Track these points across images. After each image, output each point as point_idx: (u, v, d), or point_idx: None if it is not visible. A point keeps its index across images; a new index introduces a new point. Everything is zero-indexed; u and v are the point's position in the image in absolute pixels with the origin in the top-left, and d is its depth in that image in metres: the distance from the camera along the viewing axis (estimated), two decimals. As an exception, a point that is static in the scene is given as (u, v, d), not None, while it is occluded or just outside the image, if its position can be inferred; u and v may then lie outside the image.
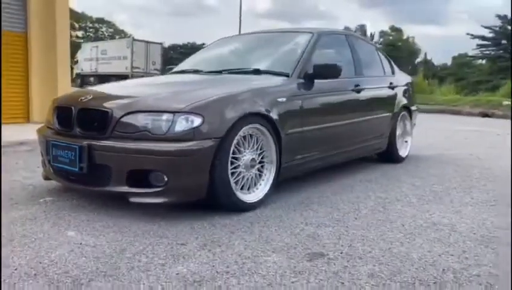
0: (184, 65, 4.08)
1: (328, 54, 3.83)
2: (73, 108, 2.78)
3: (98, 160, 2.60)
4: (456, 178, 4.10)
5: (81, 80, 26.24)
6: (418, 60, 50.33)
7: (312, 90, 3.39)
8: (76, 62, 26.97)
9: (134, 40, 24.51)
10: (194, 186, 2.58)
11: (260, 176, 2.96)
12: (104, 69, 24.75)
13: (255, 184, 2.92)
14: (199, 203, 2.75)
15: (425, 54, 48.61)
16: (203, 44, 50.10)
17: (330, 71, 3.40)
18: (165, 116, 2.54)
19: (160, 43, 25.24)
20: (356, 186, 3.64)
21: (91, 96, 2.82)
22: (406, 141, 4.99)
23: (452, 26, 73.74)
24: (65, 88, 7.04)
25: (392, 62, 5.05)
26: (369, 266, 2.06)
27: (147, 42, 24.31)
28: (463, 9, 78.74)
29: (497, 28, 36.81)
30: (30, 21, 7.06)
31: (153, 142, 2.52)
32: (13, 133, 5.90)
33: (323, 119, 3.47)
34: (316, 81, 3.43)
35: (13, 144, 5.36)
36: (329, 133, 3.56)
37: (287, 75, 3.33)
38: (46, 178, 3.14)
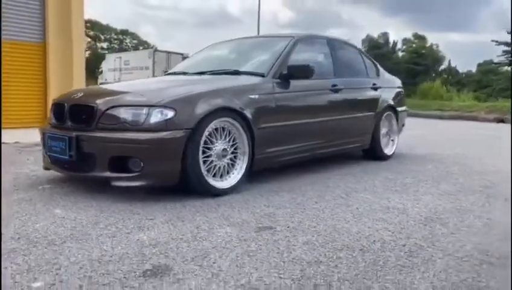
0: (176, 68, 4.48)
1: (306, 56, 4.12)
2: (66, 104, 3.16)
3: (85, 149, 2.97)
4: (433, 173, 4.30)
5: (106, 89, 27.09)
6: (442, 67, 49.88)
7: (288, 89, 3.70)
8: (101, 72, 27.92)
9: (155, 50, 25.26)
10: (167, 172, 2.92)
11: (233, 165, 3.27)
12: (126, 78, 25.56)
13: (228, 172, 3.23)
14: (180, 189, 3.08)
15: (449, 61, 48.12)
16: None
17: (303, 71, 3.70)
18: (142, 110, 2.89)
19: (181, 54, 25.87)
20: (332, 178, 3.90)
21: (82, 94, 3.21)
22: (393, 140, 5.21)
23: (477, 33, 72.67)
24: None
25: (378, 65, 5.30)
26: (307, 237, 2.34)
27: (168, 53, 24.99)
28: (488, 15, 77.41)
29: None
30: (48, 32, 7.59)
31: (131, 132, 2.87)
32: (30, 136, 6.40)
33: (297, 116, 3.77)
34: (293, 81, 3.74)
35: (29, 145, 5.84)
36: (303, 129, 3.84)
37: (262, 75, 3.64)
38: (46, 168, 3.53)
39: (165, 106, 2.89)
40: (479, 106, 16.92)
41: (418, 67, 43.97)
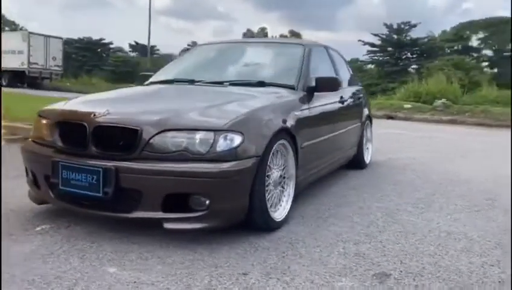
0: (170, 74, 3.73)
1: (318, 66, 3.84)
2: (87, 125, 2.44)
3: (125, 184, 2.33)
4: (424, 185, 4.33)
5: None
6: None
7: (313, 103, 3.39)
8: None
9: (30, 33, 22.40)
10: (236, 209, 2.44)
11: (282, 192, 2.88)
12: (-6, 63, 22.27)
13: (279, 201, 2.84)
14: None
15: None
16: (101, 39, 47.41)
17: (331, 84, 3.44)
18: (204, 135, 2.35)
19: (61, 38, 23.39)
20: (348, 196, 3.70)
21: (108, 112, 2.50)
22: (368, 148, 5.21)
23: (343, 32, 78.53)
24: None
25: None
26: (438, 285, 2.11)
27: (46, 36, 22.38)
28: (348, 15, 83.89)
29: (384, 36, 40.28)
30: None
31: (191, 163, 2.32)
32: None
33: (323, 131, 3.50)
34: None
35: None
36: (327, 145, 3.60)
37: (292, 88, 3.29)
38: (41, 202, 2.75)
39: (231, 130, 2.39)
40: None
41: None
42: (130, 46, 51.49)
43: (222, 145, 2.35)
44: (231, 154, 2.36)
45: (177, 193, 2.32)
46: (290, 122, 2.85)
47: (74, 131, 2.50)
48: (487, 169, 5.25)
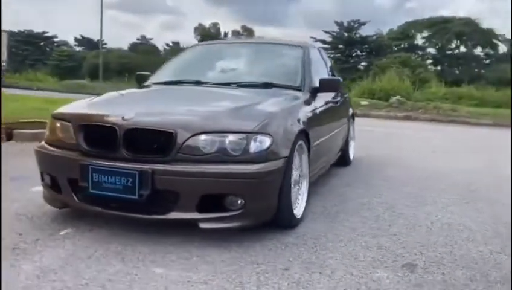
0: (174, 75, 3.70)
1: (316, 67, 3.98)
2: (117, 128, 2.44)
3: (161, 186, 2.37)
4: (410, 180, 4.58)
5: None
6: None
7: (317, 103, 3.52)
8: None
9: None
10: (267, 208, 2.54)
11: (298, 190, 2.99)
12: None
13: (296, 199, 2.95)
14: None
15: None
16: (44, 32, 45.27)
17: (333, 85, 3.59)
18: (237, 137, 2.42)
19: (6, 31, 22.21)
20: (347, 193, 3.88)
21: (135, 114, 2.50)
22: (351, 145, 5.43)
23: (293, 29, 79.39)
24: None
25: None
26: (460, 271, 2.31)
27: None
28: (297, 12, 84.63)
29: (335, 34, 41.30)
30: None
31: (226, 164, 2.39)
32: None
33: (324, 132, 3.64)
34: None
35: None
36: (328, 143, 3.75)
37: (299, 89, 3.40)
38: (62, 206, 2.70)
39: (261, 132, 2.48)
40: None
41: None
42: (76, 40, 49.68)
43: (253, 147, 2.44)
44: (262, 156, 2.45)
45: (213, 193, 2.39)
46: (305, 123, 2.97)
47: (102, 134, 2.49)
48: (456, 163, 5.64)
